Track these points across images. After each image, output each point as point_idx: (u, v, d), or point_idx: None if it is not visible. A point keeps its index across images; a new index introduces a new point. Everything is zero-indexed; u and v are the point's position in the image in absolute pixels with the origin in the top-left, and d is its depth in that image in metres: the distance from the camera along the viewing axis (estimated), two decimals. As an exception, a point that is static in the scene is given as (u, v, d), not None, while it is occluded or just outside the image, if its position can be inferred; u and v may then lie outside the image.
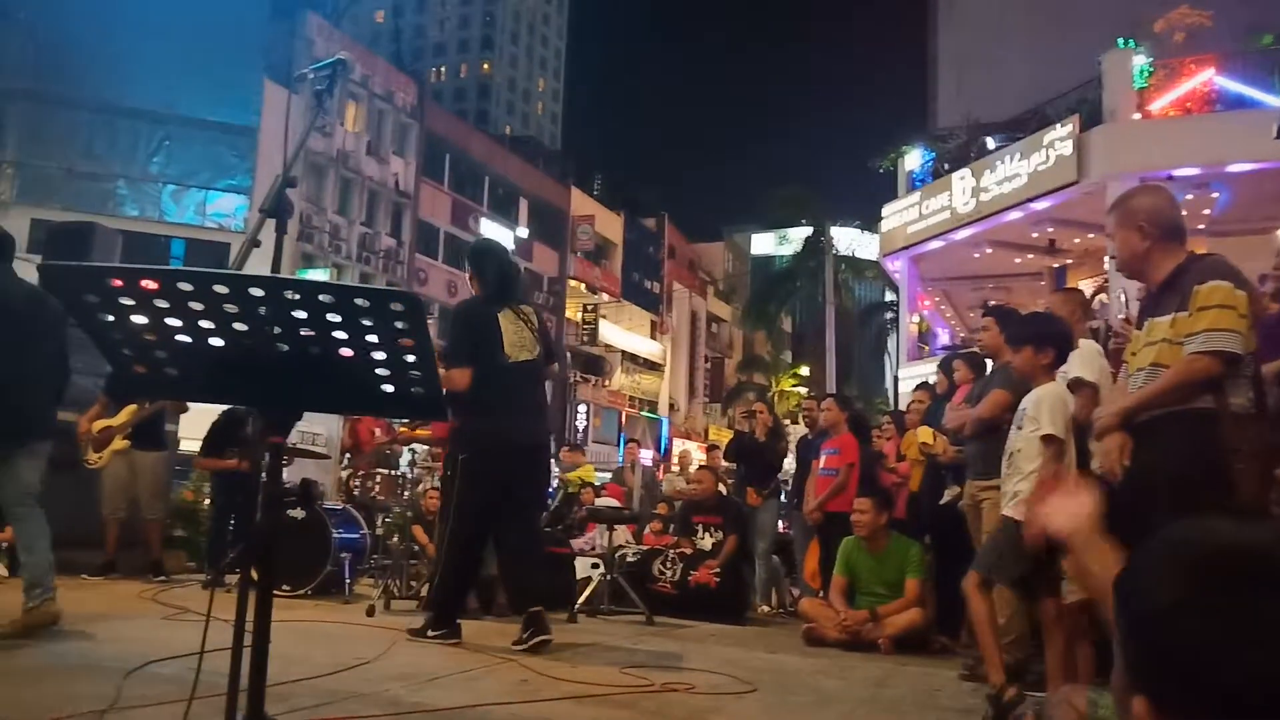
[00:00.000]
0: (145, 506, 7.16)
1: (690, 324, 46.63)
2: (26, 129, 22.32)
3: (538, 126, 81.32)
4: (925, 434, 5.44)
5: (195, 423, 7.84)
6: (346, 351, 1.84)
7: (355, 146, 28.30)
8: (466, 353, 4.50)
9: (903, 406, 9.76)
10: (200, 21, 21.74)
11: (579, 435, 34.67)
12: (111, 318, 1.82)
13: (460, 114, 52.80)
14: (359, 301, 1.75)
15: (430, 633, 4.46)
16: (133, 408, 7.03)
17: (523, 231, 36.15)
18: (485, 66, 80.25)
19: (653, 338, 44.29)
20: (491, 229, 34.36)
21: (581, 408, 37.75)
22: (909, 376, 17.35)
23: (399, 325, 1.78)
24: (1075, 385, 3.64)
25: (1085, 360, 3.75)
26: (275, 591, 5.58)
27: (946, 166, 17.59)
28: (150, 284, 1.75)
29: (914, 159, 19.16)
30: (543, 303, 36.74)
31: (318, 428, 12.82)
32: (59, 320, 4.40)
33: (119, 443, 7.07)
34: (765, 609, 7.25)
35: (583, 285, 39.49)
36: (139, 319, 1.82)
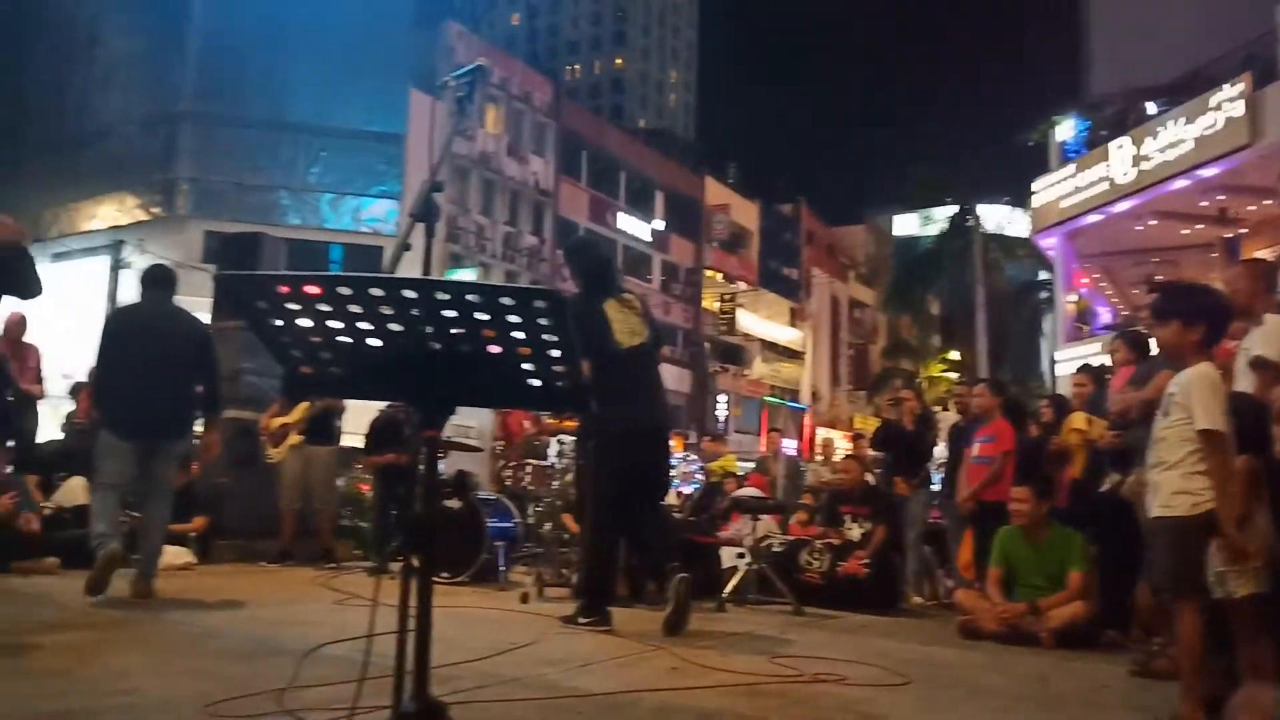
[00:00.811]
0: (317, 498, 7.63)
1: (831, 310, 45.80)
2: (198, 148, 23.99)
3: (671, 118, 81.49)
4: (1079, 419, 5.17)
5: (358, 419, 8.28)
6: (495, 348, 1.90)
7: (496, 148, 29.12)
8: (582, 347, 4.58)
9: (1062, 390, 9.30)
10: (350, 37, 22.84)
11: (719, 425, 34.64)
12: (280, 322, 1.95)
13: (595, 110, 53.54)
14: (504, 300, 1.80)
15: (581, 620, 4.52)
16: (304, 406, 7.50)
17: (659, 224, 36.37)
18: (618, 61, 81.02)
19: (792, 325, 43.75)
20: (628, 223, 34.74)
21: (721, 397, 37.70)
22: (1068, 359, 16.52)
23: (542, 321, 1.83)
24: (1257, 365, 3.37)
25: (1268, 338, 3.47)
26: (435, 579, 5.83)
27: (1103, 135, 16.62)
28: (313, 289, 1.86)
29: (1066, 129, 18.20)
30: (679, 293, 36.90)
31: (470, 421, 13.27)
32: (197, 340, 5.17)
33: (293, 438, 7.57)
34: (918, 600, 7.06)
35: (719, 275, 39.38)
36: (304, 322, 1.94)
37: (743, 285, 40.24)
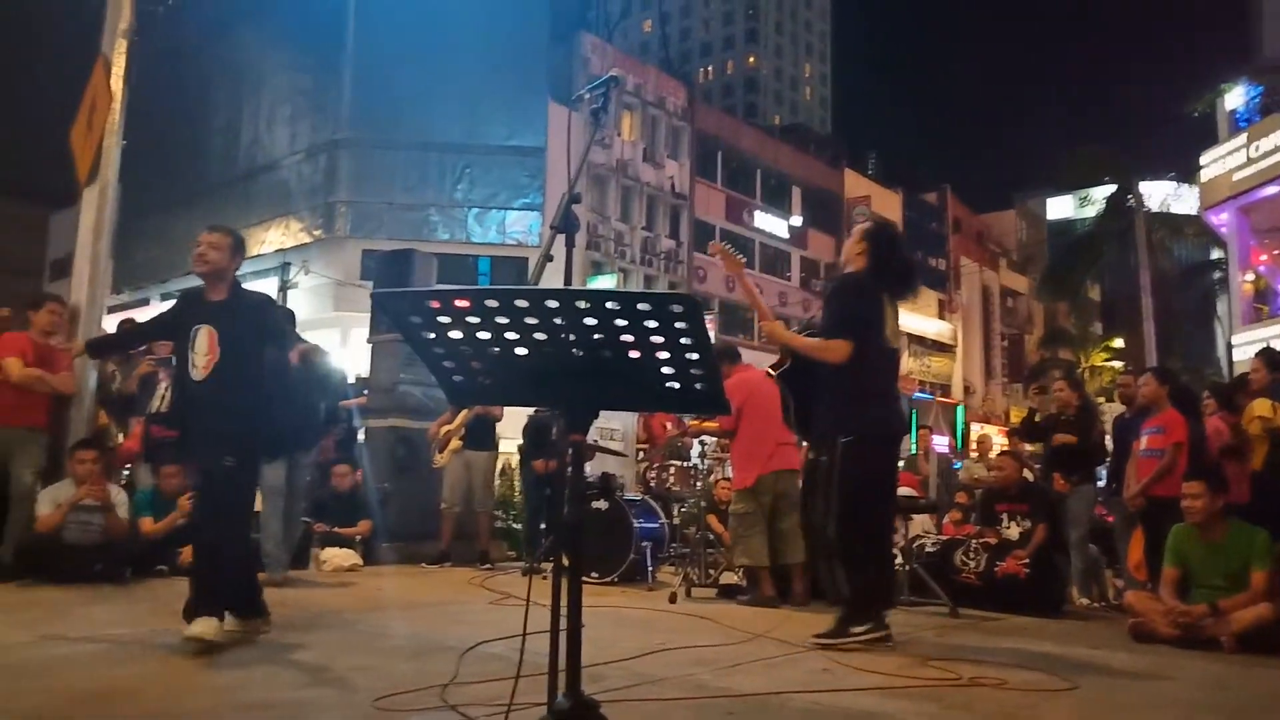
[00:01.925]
0: (476, 500, 7.94)
1: (982, 300, 44.09)
2: (355, 172, 25.31)
3: (807, 113, 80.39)
4: (1263, 406, 4.79)
5: (511, 424, 8.57)
6: (634, 353, 1.95)
7: (633, 155, 29.48)
8: (851, 326, 4.22)
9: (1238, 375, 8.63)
10: (490, 57, 23.66)
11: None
12: (433, 335, 2.05)
13: (729, 110, 53.36)
14: (641, 306, 1.85)
15: (855, 630, 4.06)
16: (464, 413, 7.83)
17: (796, 220, 35.94)
18: (751, 59, 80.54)
19: (941, 318, 42.36)
20: (765, 221, 34.48)
21: (870, 394, 36.84)
22: (1245, 342, 15.35)
23: (679, 326, 1.87)
24: None
25: None
26: (585, 579, 5.93)
27: (1278, 100, 15.36)
28: (462, 303, 1.96)
29: (1236, 97, 16.92)
30: (820, 290, 36.30)
31: (614, 424, 13.50)
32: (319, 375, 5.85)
33: (454, 444, 7.91)
34: (1084, 602, 6.72)
35: (863, 269, 38.51)
36: (455, 334, 2.04)
37: (887, 278, 39.19)
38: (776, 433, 5.96)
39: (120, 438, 7.44)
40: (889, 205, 40.08)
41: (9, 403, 5.88)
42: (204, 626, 3.58)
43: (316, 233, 25.44)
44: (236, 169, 27.91)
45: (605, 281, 27.60)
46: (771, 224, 34.92)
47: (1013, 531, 6.65)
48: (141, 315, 10.64)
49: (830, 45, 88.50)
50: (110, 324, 7.64)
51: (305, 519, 7.21)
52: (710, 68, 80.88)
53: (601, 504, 6.64)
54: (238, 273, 4.15)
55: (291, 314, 6.17)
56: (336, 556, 7.12)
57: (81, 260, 6.75)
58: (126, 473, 7.29)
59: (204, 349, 3.92)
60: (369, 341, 8.93)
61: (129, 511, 6.05)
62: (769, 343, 4.14)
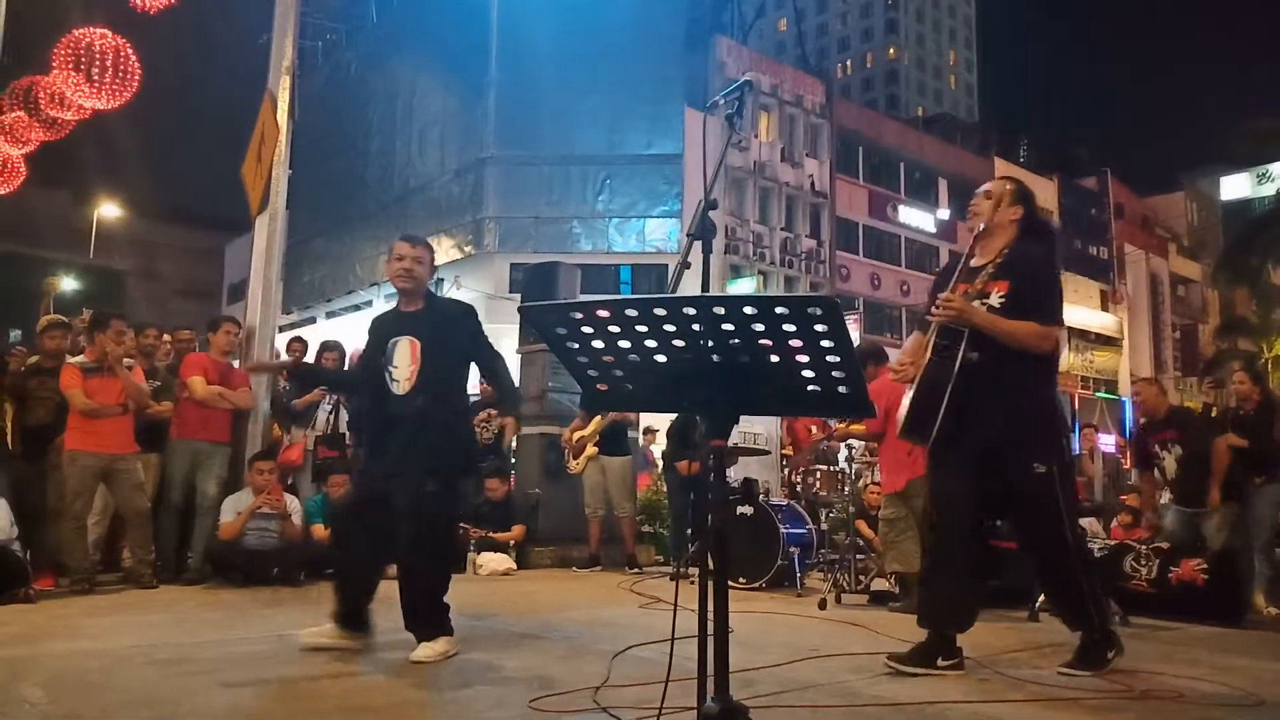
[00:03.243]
0: (616, 506, 8.06)
1: (1150, 289, 41.44)
2: (502, 189, 26.17)
3: (952, 102, 77.74)
4: None
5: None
6: (774, 357, 1.94)
7: (770, 155, 29.25)
8: (1059, 310, 3.65)
9: None
10: (626, 68, 24.03)
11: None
12: (576, 344, 2.11)
13: (869, 104, 52.24)
14: (779, 310, 1.84)
15: (1110, 654, 3.57)
16: (598, 419, 7.97)
17: (944, 213, 34.76)
18: (891, 51, 78.58)
19: (1104, 309, 40.07)
20: (910, 215, 33.53)
21: (1027, 392, 35.23)
22: None
23: (819, 328, 1.85)
24: None
25: None
26: (732, 584, 5.90)
27: None
28: (603, 313, 2.01)
29: None
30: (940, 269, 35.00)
31: (757, 427, 13.42)
32: None
33: (590, 450, 8.06)
34: (1271, 611, 6.22)
35: (1016, 261, 36.86)
36: (598, 343, 2.09)
37: (1043, 270, 37.39)
38: (929, 434, 5.79)
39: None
40: (1043, 193, 38.25)
41: (193, 419, 6.37)
42: (427, 650, 3.59)
43: (467, 249, 26.41)
44: (392, 191, 29.34)
45: (745, 285, 27.50)
46: (917, 218, 33.92)
47: (1169, 464, 6.27)
48: (309, 333, 11.33)
49: (975, 30, 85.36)
50: (280, 342, 8.19)
51: (462, 525, 7.50)
52: (849, 62, 79.38)
53: (746, 509, 6.62)
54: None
55: None
56: (492, 561, 7.36)
57: (255, 283, 7.26)
58: (289, 483, 7.78)
59: (405, 360, 3.81)
60: (518, 352, 9.20)
61: (302, 519, 6.44)
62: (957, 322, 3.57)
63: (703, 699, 2.13)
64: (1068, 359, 38.12)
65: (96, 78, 8.85)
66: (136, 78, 9.12)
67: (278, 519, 6.20)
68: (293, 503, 6.41)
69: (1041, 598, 5.67)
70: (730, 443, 2.34)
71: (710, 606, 2.12)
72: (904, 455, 5.78)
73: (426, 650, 3.60)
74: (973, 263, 3.78)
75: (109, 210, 32.00)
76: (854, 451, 7.05)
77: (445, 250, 27.29)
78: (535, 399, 8.91)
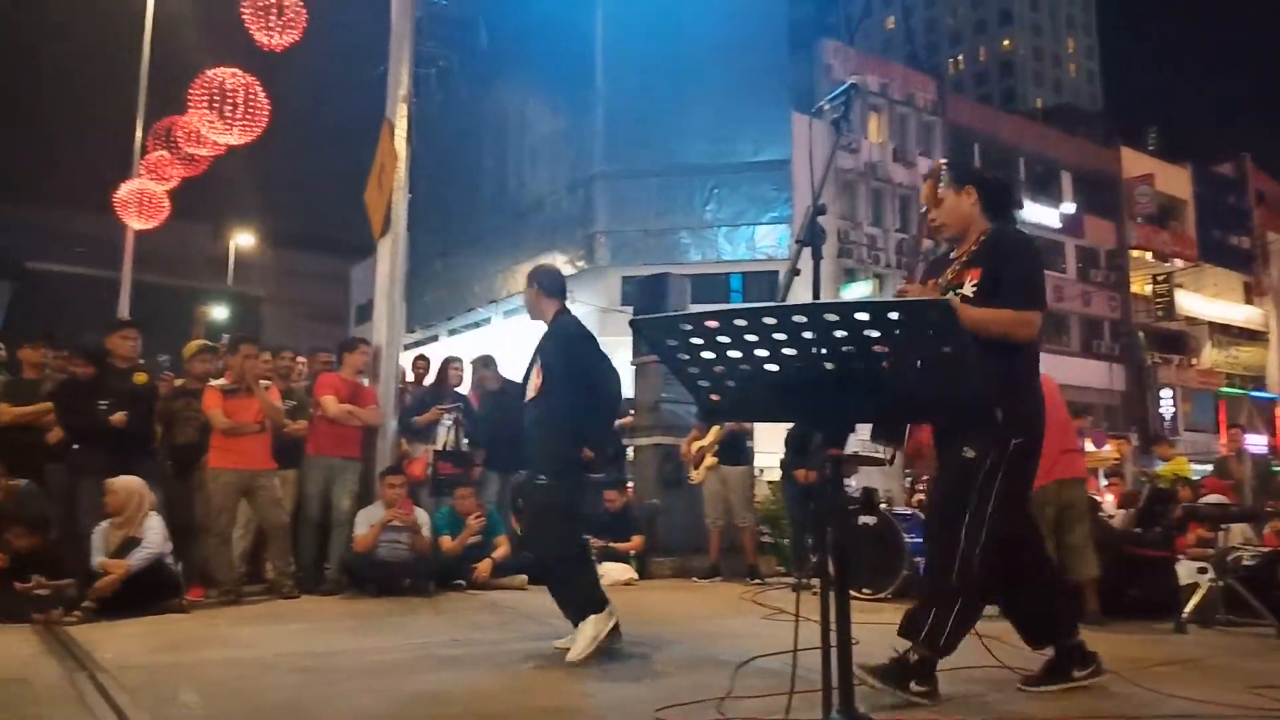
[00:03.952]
0: (736, 515, 8.02)
1: (1299, 278, 38.74)
2: (611, 203, 26.49)
3: (1073, 91, 74.63)
4: None
5: (767, 438, 8.58)
6: (888, 363, 1.91)
7: (882, 156, 28.70)
8: (1041, 294, 3.39)
9: None
10: (732, 76, 24.01)
11: (1165, 424, 30.73)
12: (687, 356, 2.13)
13: (984, 99, 50.68)
14: (893, 315, 1.81)
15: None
16: (716, 429, 7.95)
17: (1068, 207, 33.38)
18: (1005, 43, 75.99)
19: (1248, 302, 37.69)
20: (1033, 211, 32.27)
21: (1165, 393, 33.44)
22: None
23: (934, 332, 1.81)
24: None
25: None
26: (857, 595, 5.80)
27: None
28: (712, 324, 2.01)
29: None
30: (1101, 280, 33.50)
31: (878, 435, 13.14)
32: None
33: (709, 460, 8.06)
34: None
35: (1148, 254, 35.08)
36: (708, 354, 2.10)
37: (1179, 262, 35.48)
38: (1058, 439, 5.57)
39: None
40: (1176, 182, 36.31)
41: (327, 436, 6.67)
42: (570, 642, 3.94)
43: (580, 264, 26.82)
44: (506, 210, 30.08)
45: (859, 289, 27.01)
46: (1040, 214, 32.63)
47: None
48: (431, 351, 11.69)
49: (1095, 14, 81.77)
50: (405, 361, 8.48)
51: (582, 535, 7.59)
52: (960, 57, 77.16)
53: (868, 519, 6.50)
54: (564, 300, 4.62)
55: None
56: (613, 571, 7.43)
57: (380, 304, 7.55)
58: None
59: (532, 375, 4.36)
60: (632, 364, 9.28)
61: (430, 531, 6.65)
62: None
63: (827, 711, 2.11)
64: (1210, 355, 36.02)
65: (229, 115, 9.38)
66: (265, 113, 9.63)
67: (408, 531, 6.42)
68: (421, 515, 6.62)
69: (1188, 609, 5.38)
70: (849, 451, 2.31)
71: (833, 618, 2.10)
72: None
73: (569, 641, 3.89)
74: (951, 254, 3.57)
75: (244, 240, 33.85)
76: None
77: (559, 266, 27.77)
78: (650, 410, 8.97)
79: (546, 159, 28.82)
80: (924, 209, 3.57)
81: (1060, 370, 19.12)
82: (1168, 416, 32.81)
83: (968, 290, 3.33)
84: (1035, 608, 3.49)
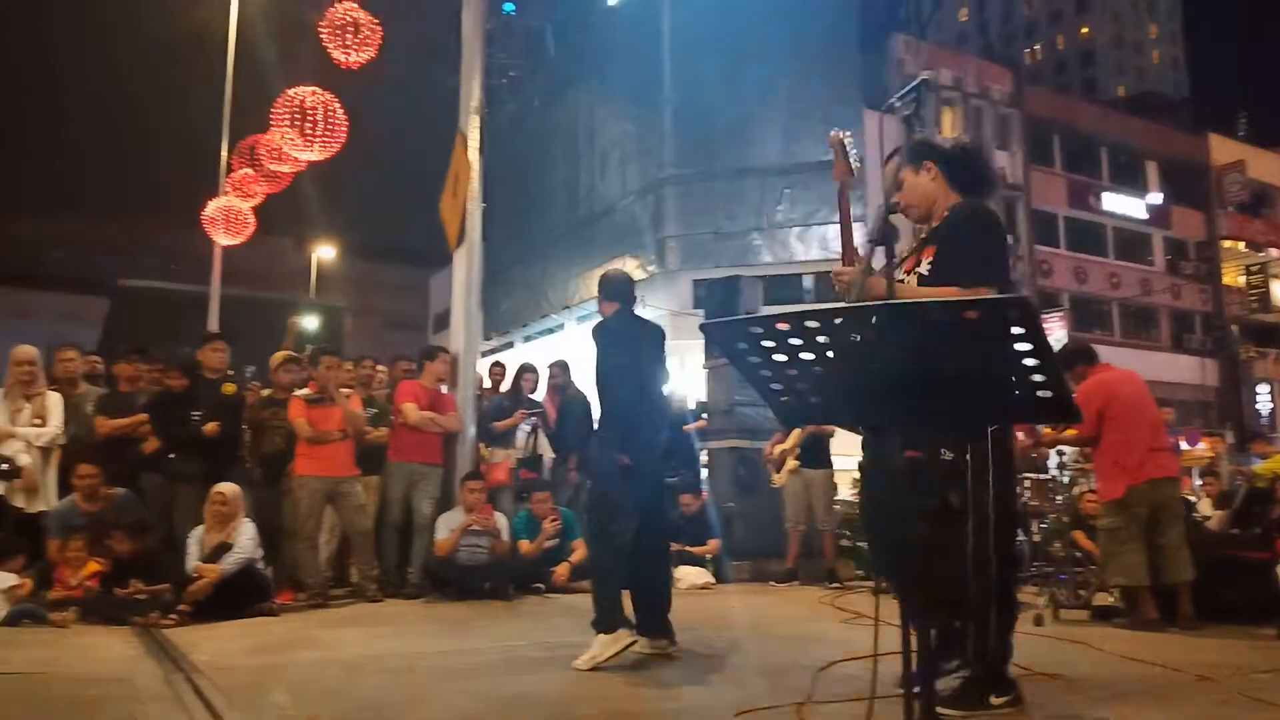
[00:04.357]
0: (818, 519, 7.95)
1: None
2: (681, 207, 26.50)
3: (1157, 78, 71.98)
4: None
5: (845, 441, 8.49)
6: (964, 364, 1.88)
7: (957, 151, 28.10)
8: (999, 271, 3.22)
9: None
10: (801, 75, 23.81)
11: (1262, 420, 29.44)
12: (757, 359, 2.12)
13: (1062, 89, 49.23)
14: (969, 314, 1.78)
15: (996, 699, 3.09)
16: (797, 432, 7.90)
17: (1155, 197, 32.22)
18: (1084, 30, 73.71)
19: (1354, 291, 35.87)
20: (1116, 202, 31.33)
21: (1262, 388, 32.02)
22: None
23: (1013, 331, 1.77)
24: None
25: None
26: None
27: None
28: (783, 326, 2.00)
29: None
30: (1191, 273, 32.27)
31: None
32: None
33: (790, 463, 8.01)
34: None
35: (1241, 244, 33.64)
36: (779, 357, 2.09)
37: (1275, 252, 33.96)
38: (1147, 437, 5.41)
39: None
40: (1271, 167, 34.77)
41: (409, 442, 6.81)
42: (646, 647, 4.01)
43: (650, 268, 26.87)
44: (578, 216, 30.32)
45: (938, 287, 26.50)
46: (1125, 205, 31.60)
47: None
48: (508, 358, 11.86)
49: (1179, -2, 78.81)
50: (483, 367, 8.62)
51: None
52: (1038, 47, 75.10)
53: (949, 520, 6.36)
54: (633, 306, 4.59)
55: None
56: (690, 575, 7.43)
57: (457, 313, 7.69)
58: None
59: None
60: (704, 367, 9.27)
61: (509, 535, 6.73)
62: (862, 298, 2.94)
63: (910, 717, 2.07)
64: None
65: (309, 132, 9.66)
66: (344, 129, 9.89)
67: (488, 536, 6.51)
68: (500, 520, 6.71)
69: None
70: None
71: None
72: (1122, 460, 5.40)
73: (646, 647, 3.97)
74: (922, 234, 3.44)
75: (326, 253, 34.79)
76: (1065, 458, 6.65)
77: (630, 271, 27.88)
78: (724, 413, 8.94)
79: (616, 164, 28.97)
80: (893, 200, 3.37)
81: (1149, 366, 18.47)
82: (1265, 412, 31.42)
83: (924, 268, 3.23)
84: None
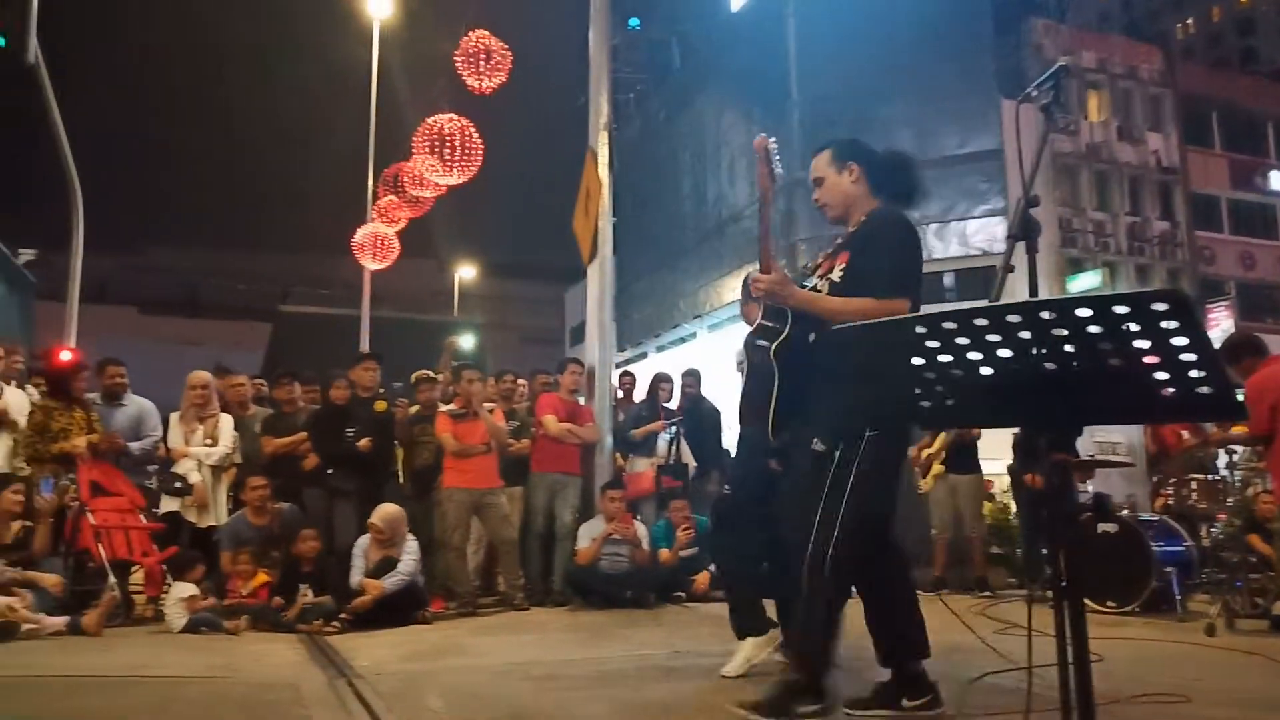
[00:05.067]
0: (966, 525, 7.69)
1: None
2: (810, 209, 25.77)
3: (1330, 42, 66.39)
4: None
5: (993, 445, 8.18)
6: (1115, 360, 1.79)
7: (1104, 136, 26.70)
8: (912, 283, 3.11)
9: None
10: (932, 67, 23.12)
11: None
12: (892, 363, 2.08)
13: (1219, 63, 46.06)
14: (1118, 309, 1.70)
15: (804, 709, 3.06)
16: (943, 435, 7.68)
17: (1333, 172, 29.70)
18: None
19: None
20: (1286, 181, 29.04)
21: None
22: None
23: (1167, 325, 1.68)
24: None
25: None
26: (1100, 608, 5.43)
27: None
28: (920, 328, 1.96)
29: None
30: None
31: (1115, 437, 12.20)
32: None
33: (936, 467, 7.78)
34: None
35: None
36: (916, 360, 2.04)
37: None
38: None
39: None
40: None
41: (550, 453, 6.98)
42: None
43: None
44: (707, 226, 30.35)
45: (1087, 279, 25.17)
46: (1297, 185, 29.27)
47: None
48: (642, 368, 11.97)
49: (1354, -46, 72.49)
50: (614, 378, 8.74)
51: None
52: (1190, 20, 70.49)
53: (1108, 526, 6.04)
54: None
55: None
56: (831, 583, 7.29)
57: (591, 326, 7.84)
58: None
59: None
60: (841, 371, 9.11)
61: (649, 543, 6.80)
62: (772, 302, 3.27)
63: (1067, 731, 1.99)
64: None
65: (448, 157, 10.06)
66: (480, 152, 10.25)
67: (628, 545, 6.59)
68: (640, 528, 6.78)
69: None
70: (1085, 455, 2.17)
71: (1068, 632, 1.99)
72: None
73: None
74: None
75: (466, 272, 36.06)
76: (1236, 457, 6.21)
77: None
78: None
79: (744, 171, 28.85)
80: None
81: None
82: None
83: (836, 275, 3.16)
84: (887, 622, 3.24)
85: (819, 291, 3.22)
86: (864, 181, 3.29)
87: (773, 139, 3.39)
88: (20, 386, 6.84)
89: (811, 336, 3.19)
